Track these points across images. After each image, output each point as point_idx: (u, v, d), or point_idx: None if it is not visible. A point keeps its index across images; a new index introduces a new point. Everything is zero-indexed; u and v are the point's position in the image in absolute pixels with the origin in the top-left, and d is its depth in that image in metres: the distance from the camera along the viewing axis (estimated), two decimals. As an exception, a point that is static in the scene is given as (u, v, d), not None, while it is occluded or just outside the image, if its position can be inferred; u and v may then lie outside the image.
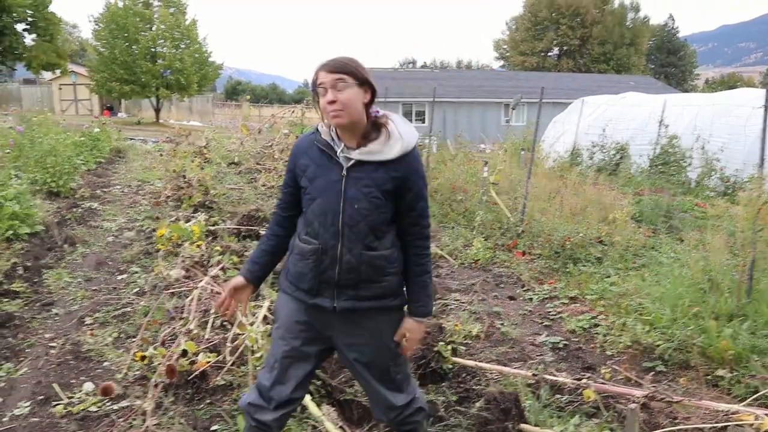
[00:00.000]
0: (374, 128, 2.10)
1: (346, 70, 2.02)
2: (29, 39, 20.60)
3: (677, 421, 3.06)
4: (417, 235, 2.19)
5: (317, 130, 2.16)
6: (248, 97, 15.28)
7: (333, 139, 2.10)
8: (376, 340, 2.19)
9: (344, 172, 2.06)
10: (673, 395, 3.11)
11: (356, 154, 2.06)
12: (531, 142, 8.57)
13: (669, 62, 62.02)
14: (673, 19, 64.01)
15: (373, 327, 2.18)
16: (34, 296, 4.84)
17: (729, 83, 57.21)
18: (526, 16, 55.25)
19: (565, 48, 54.77)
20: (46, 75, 32.57)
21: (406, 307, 2.24)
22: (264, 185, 10.37)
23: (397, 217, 2.15)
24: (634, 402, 2.83)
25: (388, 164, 2.07)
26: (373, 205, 2.06)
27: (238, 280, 2.28)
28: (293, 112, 14.65)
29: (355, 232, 2.05)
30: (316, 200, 2.09)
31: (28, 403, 3.22)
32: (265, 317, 3.88)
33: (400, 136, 2.09)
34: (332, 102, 2.00)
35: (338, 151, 2.08)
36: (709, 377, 3.61)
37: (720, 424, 2.90)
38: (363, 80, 2.05)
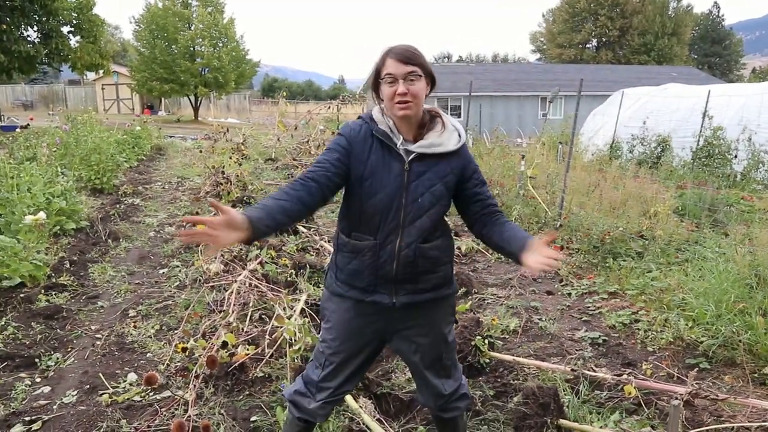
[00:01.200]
0: (431, 120, 2.09)
1: (418, 62, 1.99)
2: (74, 41, 21.15)
3: (722, 419, 2.98)
4: (491, 213, 2.13)
5: (371, 119, 2.08)
6: (284, 93, 15.41)
7: (391, 131, 2.04)
8: (431, 329, 2.19)
9: (407, 165, 2.02)
10: (718, 392, 3.03)
11: (417, 147, 2.02)
12: (569, 135, 8.43)
13: (713, 52, 60.16)
14: (717, 7, 62.11)
15: (429, 316, 2.18)
16: (80, 289, 5.00)
17: (777, 72, 55.20)
18: (564, 7, 54.27)
19: (603, 39, 53.64)
20: (90, 75, 33.47)
21: (520, 243, 1.97)
22: (301, 181, 10.45)
23: (465, 206, 2.15)
24: (676, 399, 2.76)
25: (447, 156, 2.05)
26: (435, 198, 2.03)
27: (239, 218, 1.72)
28: (329, 108, 14.76)
29: (416, 226, 2.02)
30: (378, 195, 2.01)
31: (75, 392, 3.33)
32: (302, 310, 3.93)
33: (455, 127, 2.09)
34: (404, 94, 1.96)
35: (398, 143, 2.03)
36: (755, 375, 3.51)
37: (768, 423, 2.82)
38: (428, 72, 2.03)
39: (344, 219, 2.14)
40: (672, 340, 3.99)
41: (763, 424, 2.84)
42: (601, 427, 2.88)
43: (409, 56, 1.98)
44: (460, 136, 2.09)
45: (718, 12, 62.12)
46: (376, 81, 2.05)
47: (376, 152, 2.03)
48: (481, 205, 2.13)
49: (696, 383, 3.05)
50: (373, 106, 2.14)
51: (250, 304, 4.13)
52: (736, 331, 3.76)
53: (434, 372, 2.25)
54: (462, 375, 2.38)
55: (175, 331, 4.00)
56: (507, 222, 2.12)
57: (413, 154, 2.02)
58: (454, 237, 6.66)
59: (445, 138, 2.05)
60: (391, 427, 2.91)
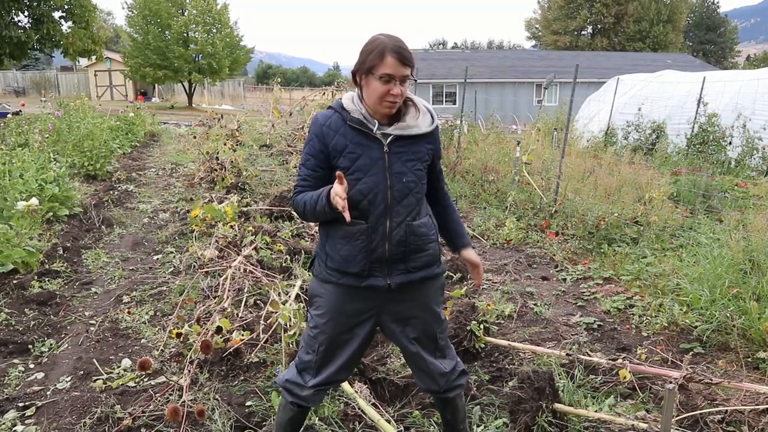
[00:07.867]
0: (404, 104, 2.14)
1: (412, 64, 2.05)
2: (66, 26, 20.88)
3: (716, 403, 2.99)
4: (443, 191, 2.35)
5: (342, 108, 2.10)
6: (279, 80, 15.31)
7: (365, 118, 2.07)
8: (425, 309, 2.22)
9: (386, 148, 2.06)
10: (712, 377, 3.04)
11: (393, 130, 2.07)
12: (564, 121, 8.40)
13: (708, 39, 60.02)
14: (713, -6, 61.86)
15: (422, 296, 2.21)
16: (74, 276, 4.97)
17: (772, 60, 55.23)
18: (559, -6, 53.93)
19: (599, 26, 53.34)
20: (83, 62, 33.17)
21: (456, 243, 2.35)
22: (296, 167, 10.42)
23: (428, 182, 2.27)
24: (671, 383, 2.77)
25: (422, 137, 2.14)
26: (417, 177, 2.12)
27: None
28: (324, 94, 14.65)
29: (404, 205, 2.08)
30: (362, 180, 2.04)
31: (69, 378, 3.32)
32: (297, 296, 3.92)
33: (427, 110, 2.19)
34: (399, 95, 2.02)
35: (374, 128, 2.06)
36: (749, 359, 3.52)
37: (761, 407, 2.84)
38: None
39: None
40: (666, 325, 4.00)
41: (757, 407, 2.85)
42: (596, 411, 2.89)
43: (409, 58, 2.03)
44: (432, 117, 2.18)
45: (714, -1, 61.92)
46: (365, 71, 2.03)
47: (352, 140, 2.07)
48: (438, 185, 2.31)
49: (690, 367, 3.06)
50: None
51: (245, 290, 4.11)
52: (730, 316, 3.77)
53: (431, 353, 2.27)
54: (455, 353, 2.41)
55: (170, 317, 3.99)
56: (452, 209, 2.37)
57: (391, 137, 2.07)
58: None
59: (420, 120, 2.13)
60: (386, 411, 2.91)
